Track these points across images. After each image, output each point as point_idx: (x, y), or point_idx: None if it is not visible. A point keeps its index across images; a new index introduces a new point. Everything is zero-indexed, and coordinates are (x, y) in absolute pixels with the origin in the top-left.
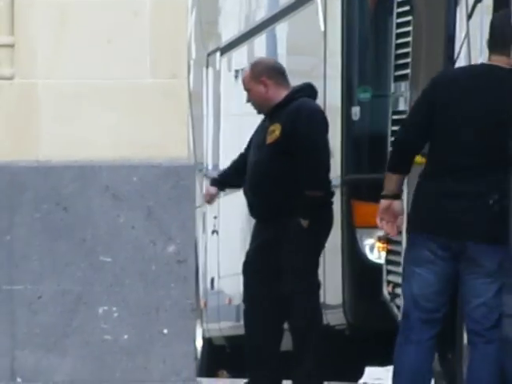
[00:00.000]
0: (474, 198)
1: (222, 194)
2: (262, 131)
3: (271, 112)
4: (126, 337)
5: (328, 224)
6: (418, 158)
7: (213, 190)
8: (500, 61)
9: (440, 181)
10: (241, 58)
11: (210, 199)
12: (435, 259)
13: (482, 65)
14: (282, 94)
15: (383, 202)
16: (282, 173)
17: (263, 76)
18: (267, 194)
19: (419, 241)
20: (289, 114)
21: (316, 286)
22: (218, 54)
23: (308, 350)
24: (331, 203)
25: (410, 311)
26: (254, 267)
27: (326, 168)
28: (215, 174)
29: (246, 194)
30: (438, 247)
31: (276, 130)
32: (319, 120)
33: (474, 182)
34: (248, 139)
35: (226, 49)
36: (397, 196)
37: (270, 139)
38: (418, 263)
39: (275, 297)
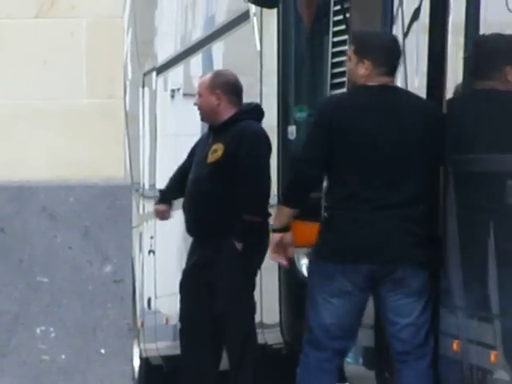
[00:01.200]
0: (395, 223)
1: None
2: (203, 148)
3: (216, 129)
4: (63, 357)
5: (264, 246)
6: None
7: (162, 207)
8: (389, 81)
9: (354, 209)
10: (177, 78)
11: (163, 216)
12: (353, 290)
13: (373, 86)
14: (230, 112)
15: (275, 236)
16: (220, 193)
17: (219, 89)
18: (204, 213)
19: (335, 271)
20: (233, 135)
21: (251, 307)
22: (154, 73)
23: (244, 371)
24: (267, 225)
25: (323, 341)
26: (189, 286)
27: (267, 193)
28: (153, 193)
29: (183, 210)
30: (361, 277)
31: (218, 150)
32: (262, 144)
33: (391, 206)
34: (185, 156)
35: (161, 68)
36: (288, 229)
37: (211, 158)
38: (332, 293)
39: (212, 316)
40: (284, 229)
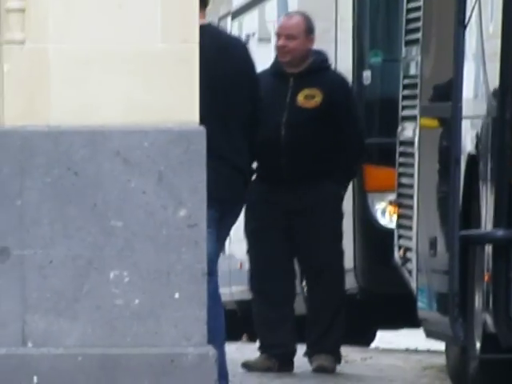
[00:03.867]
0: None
1: None
2: (280, 91)
3: (300, 73)
4: (136, 301)
5: None
6: (428, 121)
7: None
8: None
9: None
10: (252, 23)
11: None
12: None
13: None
14: (309, 57)
15: None
16: (320, 138)
17: (313, 34)
18: (304, 157)
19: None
20: (333, 83)
21: (343, 253)
22: (229, 18)
23: (340, 320)
24: None
25: None
26: (270, 231)
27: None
28: None
29: (266, 154)
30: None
31: (316, 96)
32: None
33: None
34: None
35: (237, 13)
36: None
37: (307, 103)
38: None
39: (289, 261)
40: None
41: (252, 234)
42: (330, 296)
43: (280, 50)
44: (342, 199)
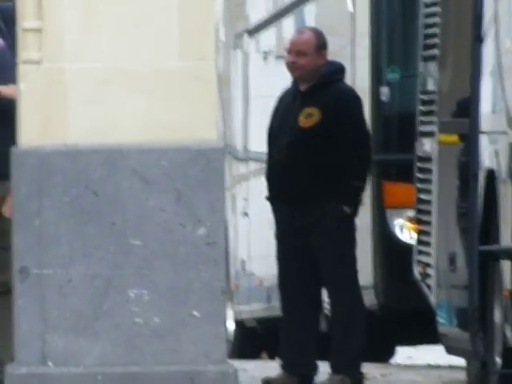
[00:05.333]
0: None
1: (251, 175)
2: (290, 110)
3: (306, 91)
4: (156, 320)
5: (359, 208)
6: (446, 137)
7: None
8: None
9: None
10: (269, 40)
11: None
12: None
13: None
14: (321, 71)
15: None
16: (320, 158)
17: (325, 50)
18: (304, 177)
19: None
20: (330, 99)
21: (357, 273)
22: (246, 35)
23: (352, 339)
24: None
25: None
26: (288, 252)
27: (370, 159)
28: (245, 156)
29: (272, 175)
30: None
31: (314, 115)
32: (360, 107)
33: None
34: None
35: (254, 30)
36: None
37: (306, 122)
38: None
39: (310, 280)
40: None
41: (277, 254)
42: (336, 318)
43: (290, 66)
44: (349, 219)
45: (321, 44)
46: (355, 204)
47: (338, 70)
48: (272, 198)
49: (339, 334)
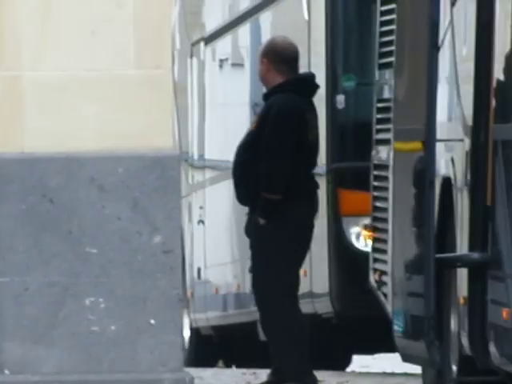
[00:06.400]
0: None
1: (207, 183)
2: None
3: (263, 97)
4: (113, 328)
5: (288, 224)
6: (402, 144)
7: None
8: None
9: None
10: (225, 48)
11: None
12: None
13: None
14: (278, 81)
15: None
16: (251, 165)
17: (265, 58)
18: (242, 182)
19: None
20: (264, 108)
21: (285, 285)
22: (202, 44)
23: (279, 350)
24: (294, 204)
25: None
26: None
27: (286, 172)
28: (201, 163)
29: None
30: None
31: (254, 122)
32: (285, 121)
33: None
34: (232, 128)
35: (210, 39)
36: None
37: (252, 128)
38: None
39: None
40: None
41: None
42: (264, 324)
43: None
44: (270, 230)
45: (263, 52)
46: (269, 216)
47: (293, 80)
48: None
49: (272, 347)
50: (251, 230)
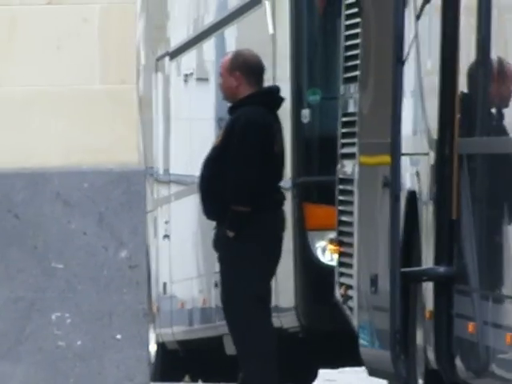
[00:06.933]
0: None
1: (173, 198)
2: None
3: (228, 112)
4: (79, 343)
5: (256, 236)
6: (367, 158)
7: None
8: None
9: None
10: (190, 63)
11: None
12: None
13: None
14: (245, 94)
15: None
16: (217, 179)
17: (238, 71)
18: (208, 196)
19: None
20: (229, 121)
21: (243, 297)
22: (167, 58)
23: (243, 361)
24: (263, 216)
25: None
26: None
27: (253, 184)
28: (167, 178)
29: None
30: None
31: (220, 136)
32: (252, 133)
33: None
34: (197, 143)
35: (175, 53)
36: None
37: (215, 142)
38: None
39: None
40: None
41: None
42: (234, 337)
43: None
44: (237, 243)
45: (233, 65)
46: (237, 228)
47: (259, 93)
48: None
49: (241, 362)
50: (219, 243)
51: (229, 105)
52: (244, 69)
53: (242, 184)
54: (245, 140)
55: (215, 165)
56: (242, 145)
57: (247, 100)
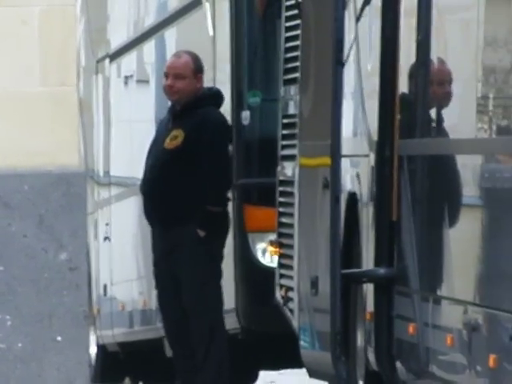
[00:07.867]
0: None
1: (113, 200)
2: (163, 132)
3: (176, 113)
4: (19, 345)
5: (223, 233)
6: (307, 160)
7: None
8: None
9: None
10: (130, 65)
11: None
12: None
13: None
14: (196, 95)
15: None
16: (180, 181)
17: (200, 73)
18: (165, 200)
19: None
20: (194, 122)
21: (216, 297)
22: (107, 60)
23: (209, 365)
24: (227, 213)
25: None
26: (158, 276)
27: (229, 184)
28: (107, 180)
29: (143, 196)
30: None
31: (179, 137)
32: (224, 133)
33: None
34: (137, 145)
35: (115, 55)
36: None
37: (170, 144)
38: None
39: (180, 306)
40: None
41: (154, 278)
42: (196, 344)
43: (167, 89)
44: (206, 244)
45: (198, 67)
46: (211, 228)
47: (212, 94)
48: (147, 220)
49: (199, 360)
50: (180, 245)
51: (170, 106)
52: (203, 70)
53: (225, 185)
54: (223, 141)
55: (172, 167)
56: (221, 147)
57: (204, 101)
